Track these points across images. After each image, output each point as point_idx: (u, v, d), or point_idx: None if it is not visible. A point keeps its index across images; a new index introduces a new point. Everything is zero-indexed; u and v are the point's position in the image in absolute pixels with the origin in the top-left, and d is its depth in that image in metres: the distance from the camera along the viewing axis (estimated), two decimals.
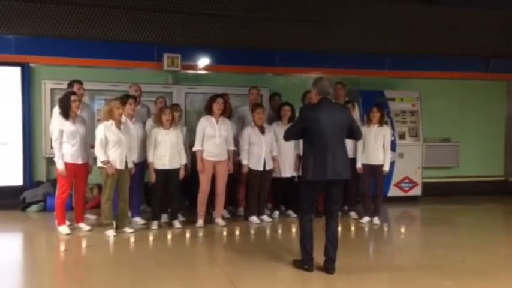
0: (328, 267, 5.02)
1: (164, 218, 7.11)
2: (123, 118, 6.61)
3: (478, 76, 10.29)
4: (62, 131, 6.49)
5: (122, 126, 6.48)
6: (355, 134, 5.29)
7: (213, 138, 6.97)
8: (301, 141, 7.07)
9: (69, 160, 6.51)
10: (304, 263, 5.07)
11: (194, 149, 7.02)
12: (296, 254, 5.28)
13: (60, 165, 6.48)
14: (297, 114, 7.54)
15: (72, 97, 6.54)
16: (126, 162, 6.50)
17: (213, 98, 7.08)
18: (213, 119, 7.03)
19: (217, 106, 7.00)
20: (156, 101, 7.66)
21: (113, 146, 6.37)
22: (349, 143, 7.45)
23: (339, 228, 6.73)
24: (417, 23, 9.54)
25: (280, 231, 6.77)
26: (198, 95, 8.70)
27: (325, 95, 5.12)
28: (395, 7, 9.35)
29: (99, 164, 6.42)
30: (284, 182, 7.61)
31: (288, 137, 5.43)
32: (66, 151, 6.50)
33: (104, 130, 6.35)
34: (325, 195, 5.21)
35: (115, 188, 6.49)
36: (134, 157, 6.73)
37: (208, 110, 7.07)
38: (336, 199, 5.17)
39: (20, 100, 8.25)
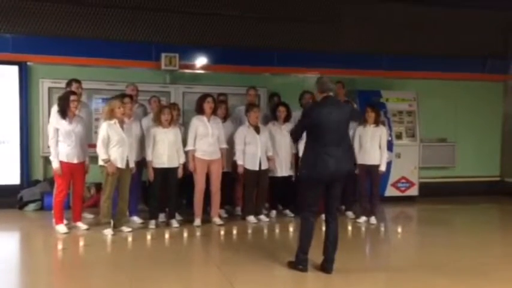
0: (327, 268, 5.03)
1: (162, 217, 7.12)
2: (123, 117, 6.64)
3: (475, 77, 10.31)
4: (57, 130, 6.49)
5: (124, 126, 6.50)
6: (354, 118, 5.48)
7: (206, 137, 6.98)
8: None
9: (64, 159, 6.51)
10: (298, 263, 5.07)
11: (186, 149, 7.02)
12: (293, 254, 5.27)
13: (55, 164, 6.49)
14: (292, 114, 7.61)
15: (72, 97, 6.54)
16: (127, 162, 6.51)
17: (203, 98, 7.10)
18: (205, 118, 7.04)
19: (208, 105, 7.01)
20: (149, 100, 7.64)
21: (114, 145, 6.39)
22: None
23: None
24: (414, 23, 9.58)
25: (277, 230, 6.79)
26: (195, 95, 8.62)
27: (327, 91, 5.11)
28: (392, 7, 9.39)
29: (100, 163, 6.43)
30: (281, 181, 7.63)
31: (294, 135, 5.51)
32: (62, 150, 6.51)
33: (107, 129, 6.37)
34: (326, 195, 5.16)
35: (115, 187, 6.50)
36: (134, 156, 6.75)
37: (200, 110, 7.08)
38: (337, 198, 5.16)
39: (18, 99, 8.25)
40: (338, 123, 5.00)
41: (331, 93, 5.14)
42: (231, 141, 7.39)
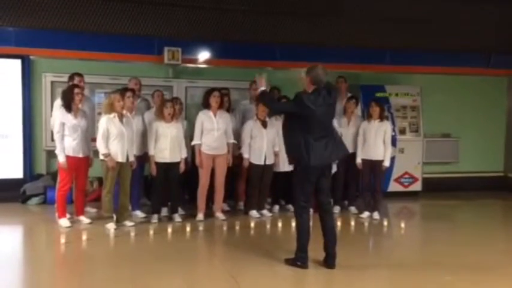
0: (329, 263, 5.04)
1: (164, 211, 7.11)
2: (123, 111, 6.61)
3: (479, 72, 10.26)
4: (63, 124, 6.49)
5: (124, 119, 6.48)
6: None
7: (212, 131, 6.97)
8: None
9: (70, 153, 6.52)
10: (298, 260, 5.05)
11: (193, 143, 7.03)
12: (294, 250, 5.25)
13: (61, 158, 6.49)
14: None
15: (76, 90, 6.55)
16: (127, 156, 6.50)
17: (209, 92, 7.09)
18: (211, 113, 7.03)
19: (214, 100, 7.00)
20: (153, 95, 7.63)
21: (114, 139, 6.36)
22: (348, 138, 7.52)
23: (339, 223, 6.81)
24: (418, 17, 9.52)
25: (280, 225, 6.77)
26: (198, 89, 8.66)
27: (319, 84, 5.05)
28: (396, 2, 9.33)
29: (101, 157, 6.42)
30: (284, 176, 7.60)
31: (274, 110, 5.81)
32: (68, 144, 6.51)
33: (106, 123, 6.34)
34: (315, 191, 5.14)
35: (116, 181, 6.49)
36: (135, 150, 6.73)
37: (206, 104, 7.07)
38: (326, 191, 5.14)
39: (20, 93, 8.23)
40: (326, 115, 5.04)
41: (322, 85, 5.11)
42: (234, 135, 7.34)
